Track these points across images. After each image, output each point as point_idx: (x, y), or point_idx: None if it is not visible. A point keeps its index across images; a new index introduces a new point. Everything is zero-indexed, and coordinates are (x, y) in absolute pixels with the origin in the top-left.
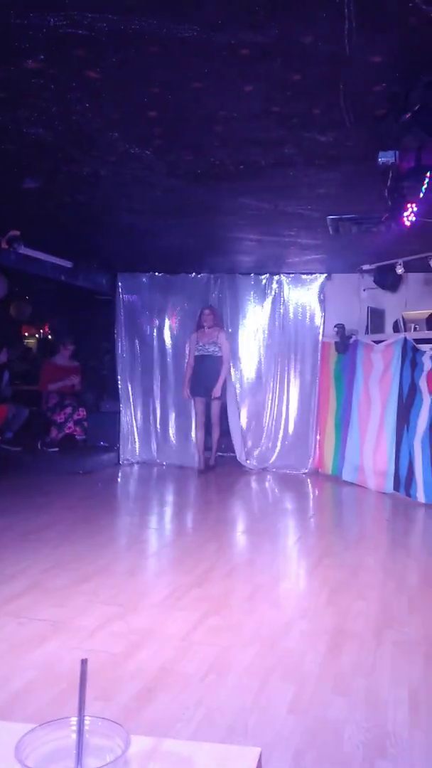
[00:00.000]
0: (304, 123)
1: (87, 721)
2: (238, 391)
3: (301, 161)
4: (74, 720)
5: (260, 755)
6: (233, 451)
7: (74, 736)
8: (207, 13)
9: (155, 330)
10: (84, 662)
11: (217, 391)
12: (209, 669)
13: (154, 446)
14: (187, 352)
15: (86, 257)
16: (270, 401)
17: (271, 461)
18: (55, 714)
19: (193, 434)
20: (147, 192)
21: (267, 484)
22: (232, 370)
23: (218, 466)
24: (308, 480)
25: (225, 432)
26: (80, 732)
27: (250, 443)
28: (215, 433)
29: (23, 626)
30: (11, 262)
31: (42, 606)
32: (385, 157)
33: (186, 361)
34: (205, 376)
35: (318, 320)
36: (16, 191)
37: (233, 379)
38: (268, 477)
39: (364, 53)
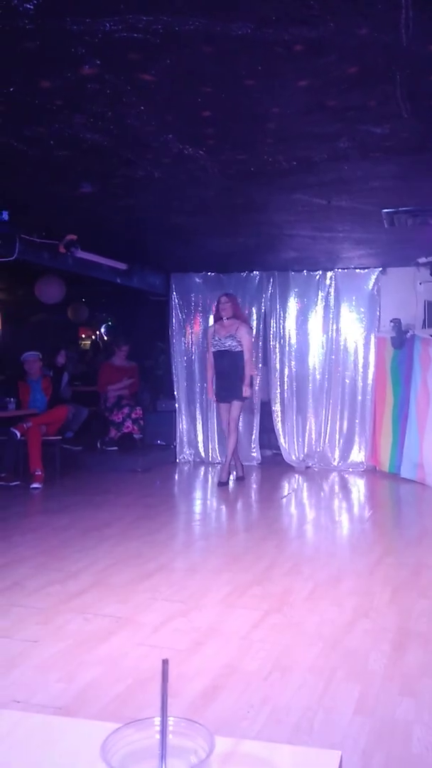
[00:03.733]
0: (360, 116)
1: (171, 721)
2: (287, 387)
3: (355, 154)
4: (158, 720)
5: (341, 759)
6: (278, 449)
7: (158, 736)
8: (260, 10)
9: None
10: (165, 662)
11: (246, 391)
12: (272, 667)
13: (210, 444)
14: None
15: (140, 259)
16: (324, 398)
17: (324, 459)
18: (122, 710)
19: (201, 445)
20: (200, 192)
21: (322, 482)
22: (277, 365)
23: (237, 479)
24: (365, 478)
25: (270, 429)
26: (164, 732)
27: (301, 441)
28: (231, 442)
29: (88, 622)
30: (68, 266)
31: (106, 602)
32: None
33: (207, 359)
34: (227, 377)
35: (373, 315)
36: (73, 196)
37: (285, 377)
38: (323, 475)
39: (421, 43)
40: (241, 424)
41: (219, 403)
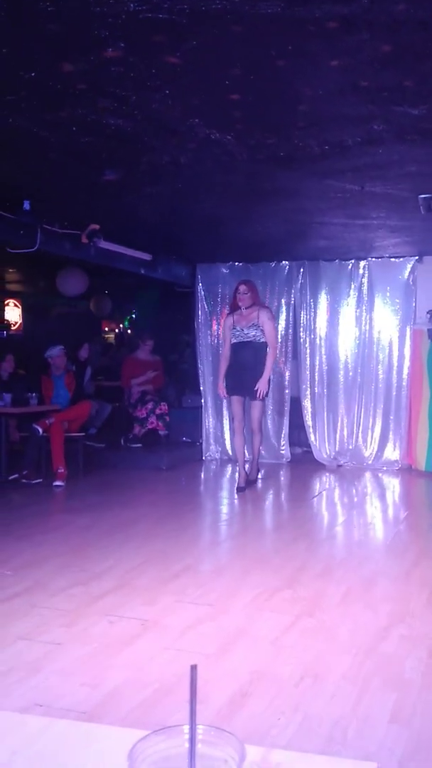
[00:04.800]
0: (395, 96)
1: (200, 729)
2: (317, 382)
3: (390, 137)
4: (186, 728)
5: None
6: (308, 446)
7: (187, 745)
8: None
9: None
10: (194, 668)
11: (263, 388)
12: (304, 674)
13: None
14: (221, 340)
15: (165, 249)
16: (356, 393)
17: (357, 457)
18: (148, 717)
19: (227, 442)
20: (228, 178)
21: (354, 481)
22: (307, 359)
23: (262, 479)
24: (400, 477)
25: (300, 426)
26: (192, 741)
27: (333, 438)
28: (256, 441)
29: (113, 625)
30: (91, 256)
31: (131, 605)
32: None
33: (221, 352)
34: (246, 370)
35: (408, 306)
36: (96, 184)
37: (316, 372)
38: (355, 474)
39: None
40: (269, 421)
41: (232, 396)
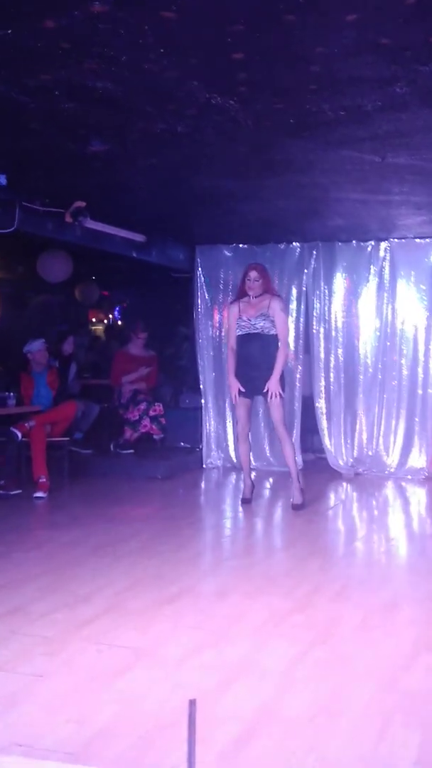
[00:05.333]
0: (420, 55)
1: None
2: (333, 379)
3: (415, 102)
4: None
5: None
6: (322, 452)
7: None
8: None
9: None
10: (193, 704)
11: (274, 389)
12: (318, 710)
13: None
14: (224, 332)
15: (161, 229)
16: (377, 391)
17: (378, 464)
18: (142, 758)
19: (231, 448)
20: (231, 149)
21: (375, 491)
22: (321, 353)
23: (306, 504)
24: (426, 486)
25: (313, 429)
26: None
27: (350, 443)
28: (287, 450)
29: (102, 654)
30: (76, 238)
31: (122, 631)
32: None
33: (227, 344)
34: (257, 366)
35: None
36: (82, 156)
37: (331, 367)
38: (375, 483)
39: None
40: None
41: (239, 398)
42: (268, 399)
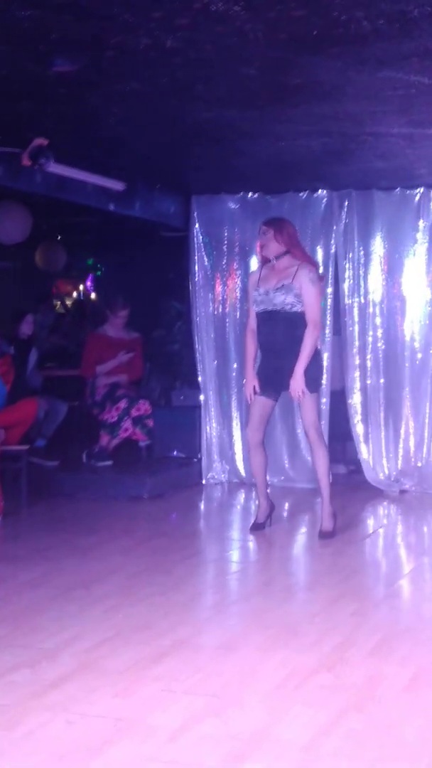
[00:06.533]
0: None
1: None
2: (370, 370)
3: None
4: None
5: None
6: (357, 464)
7: None
8: None
9: None
10: None
11: (297, 386)
12: None
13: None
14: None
15: (146, 175)
16: (429, 387)
17: (428, 480)
18: None
19: (239, 458)
20: (236, 70)
21: (426, 514)
22: (355, 336)
23: (336, 531)
24: None
25: (345, 434)
26: None
27: (393, 452)
28: (319, 459)
29: (73, 726)
30: (36, 186)
31: (98, 696)
32: None
33: (246, 325)
34: (278, 354)
35: None
36: (43, 80)
37: (368, 354)
38: (426, 503)
39: None
40: (298, 429)
41: (257, 396)
42: (298, 398)
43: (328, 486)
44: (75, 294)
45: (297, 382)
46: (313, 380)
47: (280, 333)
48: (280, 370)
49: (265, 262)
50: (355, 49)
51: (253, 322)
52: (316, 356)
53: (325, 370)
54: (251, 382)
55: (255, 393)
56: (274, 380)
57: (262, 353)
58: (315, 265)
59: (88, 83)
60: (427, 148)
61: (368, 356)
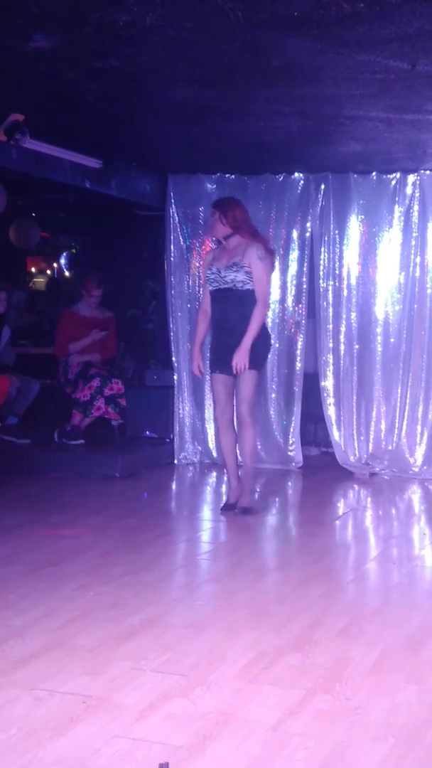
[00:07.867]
0: None
1: None
2: (344, 352)
3: None
4: None
5: None
6: (329, 446)
7: None
8: None
9: None
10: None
11: (239, 359)
12: None
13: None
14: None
15: (122, 153)
16: (401, 368)
17: (399, 462)
18: None
19: (211, 438)
20: (216, 49)
21: (395, 496)
22: (330, 319)
23: (258, 509)
24: None
25: (317, 416)
26: None
27: (365, 434)
28: (246, 437)
29: (41, 703)
30: (11, 162)
31: (66, 674)
32: None
33: (199, 305)
34: (230, 331)
35: None
36: (19, 55)
37: (342, 337)
38: (396, 486)
39: None
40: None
41: (214, 374)
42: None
43: (251, 464)
44: (49, 272)
45: (240, 355)
46: (257, 357)
47: (231, 310)
48: (229, 347)
49: (218, 242)
50: (335, 31)
51: (206, 302)
52: (265, 335)
53: (270, 351)
54: (196, 360)
55: (200, 371)
56: (225, 357)
57: (213, 330)
58: (265, 241)
59: (66, 59)
60: (404, 133)
61: (341, 340)
